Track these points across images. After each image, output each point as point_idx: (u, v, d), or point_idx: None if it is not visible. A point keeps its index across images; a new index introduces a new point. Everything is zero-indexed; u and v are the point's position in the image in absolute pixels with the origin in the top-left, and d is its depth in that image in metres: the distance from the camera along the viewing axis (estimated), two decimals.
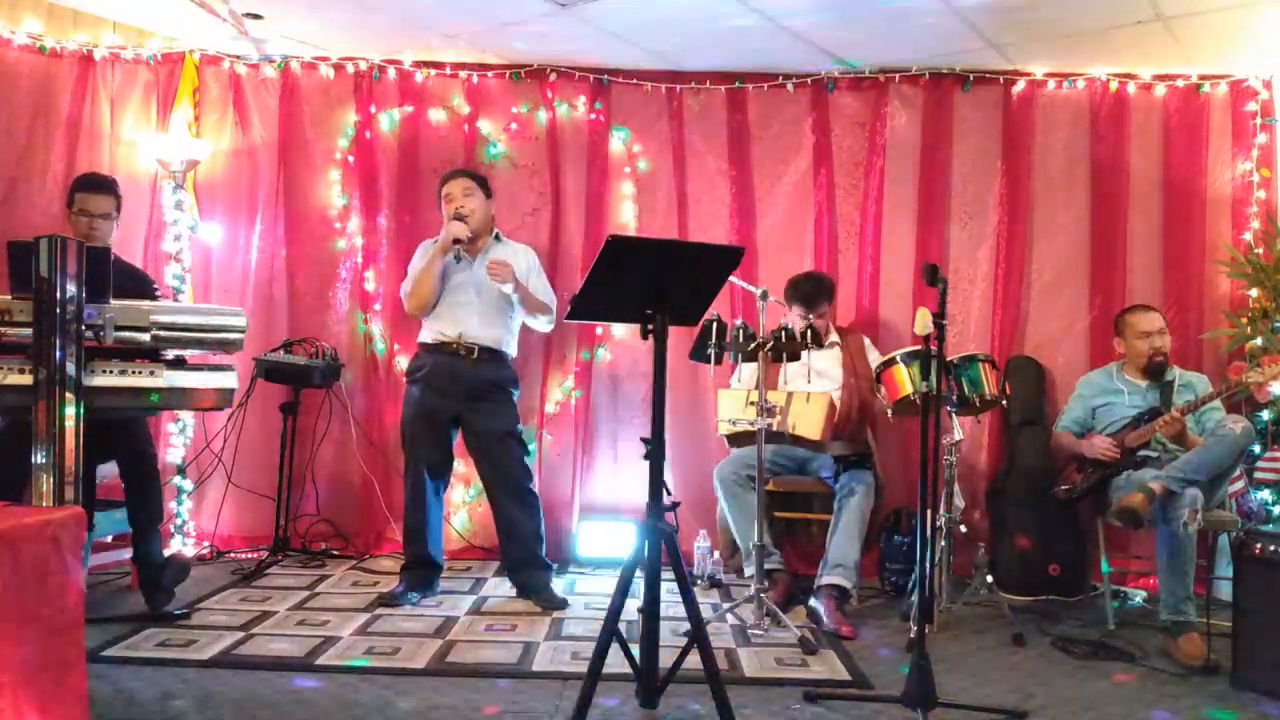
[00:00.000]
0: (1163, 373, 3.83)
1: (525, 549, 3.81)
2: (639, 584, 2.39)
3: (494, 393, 3.79)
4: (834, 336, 4.13)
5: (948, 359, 3.56)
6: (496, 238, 3.93)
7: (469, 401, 3.75)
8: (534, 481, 3.89)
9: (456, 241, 3.70)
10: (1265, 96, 4.37)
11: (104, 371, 2.66)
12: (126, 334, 2.65)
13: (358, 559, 4.42)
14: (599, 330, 4.61)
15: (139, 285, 3.54)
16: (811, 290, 4.01)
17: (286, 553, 4.36)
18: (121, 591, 3.76)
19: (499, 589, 3.96)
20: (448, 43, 4.38)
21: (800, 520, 4.22)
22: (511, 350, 3.90)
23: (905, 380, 3.58)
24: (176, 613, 3.40)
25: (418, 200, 4.58)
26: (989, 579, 3.72)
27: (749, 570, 3.62)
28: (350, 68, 4.60)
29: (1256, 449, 3.82)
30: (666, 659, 2.44)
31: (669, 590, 2.38)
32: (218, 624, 3.34)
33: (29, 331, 2.47)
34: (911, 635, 3.16)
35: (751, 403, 3.50)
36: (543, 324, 3.95)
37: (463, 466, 4.11)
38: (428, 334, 3.83)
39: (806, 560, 4.18)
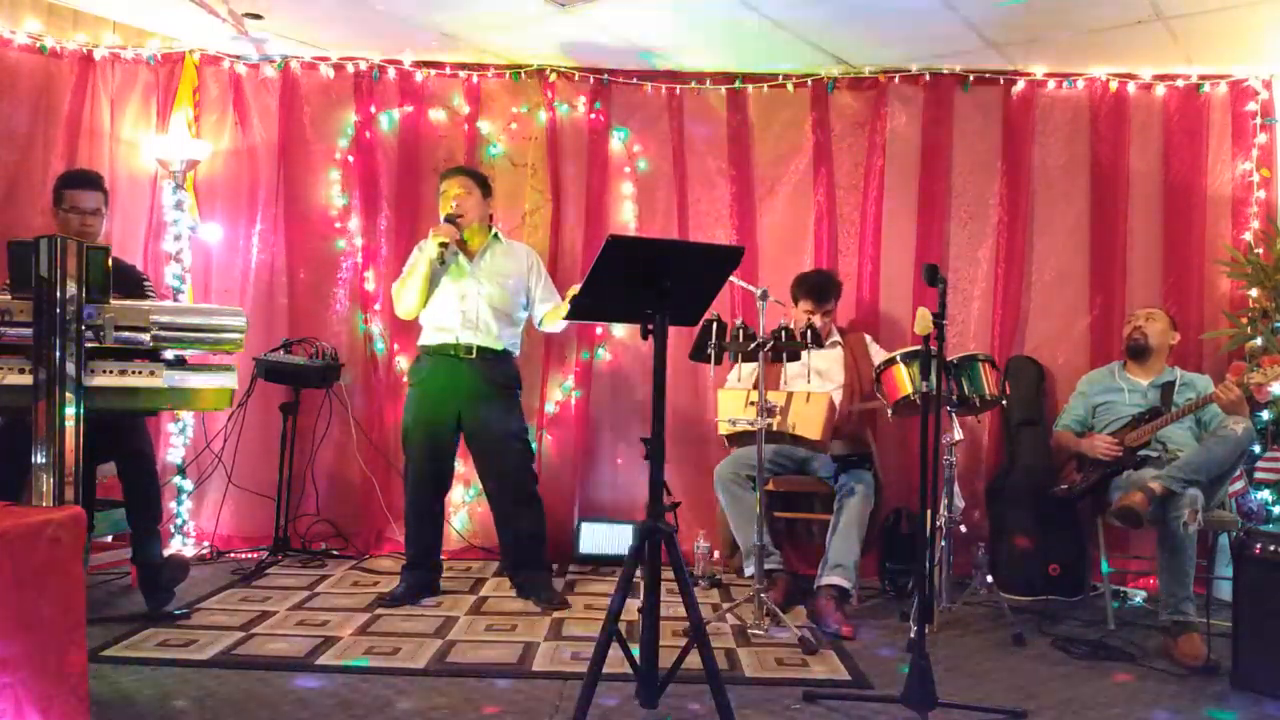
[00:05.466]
0: (1143, 353, 3.86)
1: (526, 551, 3.81)
2: (639, 584, 2.39)
3: (495, 393, 3.76)
4: (835, 337, 4.13)
5: (948, 359, 3.56)
6: (495, 237, 3.88)
7: (469, 402, 3.72)
8: (537, 484, 3.87)
9: (442, 245, 3.61)
10: (1265, 96, 4.37)
11: (104, 371, 2.66)
12: (126, 334, 2.65)
13: (358, 559, 4.41)
14: (599, 330, 4.61)
15: (128, 281, 3.48)
16: (821, 283, 4.03)
17: (286, 553, 4.36)
18: (121, 591, 3.76)
19: (499, 589, 3.96)
20: (448, 43, 4.38)
21: (800, 520, 4.22)
22: (515, 350, 3.88)
23: (905, 380, 3.57)
24: (176, 613, 3.40)
25: (418, 200, 4.58)
26: (989, 579, 3.72)
27: (749, 570, 3.62)
28: (350, 68, 4.60)
29: (1256, 449, 3.82)
30: (666, 659, 2.44)
31: (669, 590, 2.38)
32: (218, 624, 3.33)
33: (29, 331, 2.47)
34: (911, 635, 3.15)
35: (751, 403, 3.50)
36: (560, 325, 3.93)
37: (462, 466, 4.10)
38: (427, 335, 3.81)
39: (806, 560, 4.18)
